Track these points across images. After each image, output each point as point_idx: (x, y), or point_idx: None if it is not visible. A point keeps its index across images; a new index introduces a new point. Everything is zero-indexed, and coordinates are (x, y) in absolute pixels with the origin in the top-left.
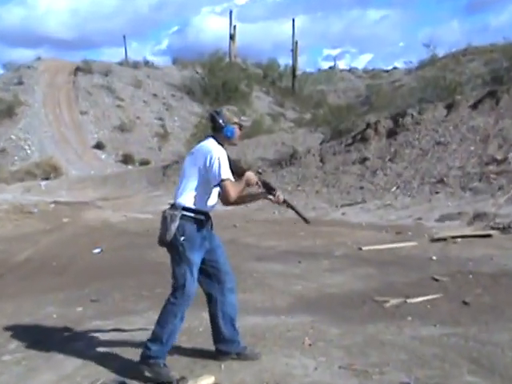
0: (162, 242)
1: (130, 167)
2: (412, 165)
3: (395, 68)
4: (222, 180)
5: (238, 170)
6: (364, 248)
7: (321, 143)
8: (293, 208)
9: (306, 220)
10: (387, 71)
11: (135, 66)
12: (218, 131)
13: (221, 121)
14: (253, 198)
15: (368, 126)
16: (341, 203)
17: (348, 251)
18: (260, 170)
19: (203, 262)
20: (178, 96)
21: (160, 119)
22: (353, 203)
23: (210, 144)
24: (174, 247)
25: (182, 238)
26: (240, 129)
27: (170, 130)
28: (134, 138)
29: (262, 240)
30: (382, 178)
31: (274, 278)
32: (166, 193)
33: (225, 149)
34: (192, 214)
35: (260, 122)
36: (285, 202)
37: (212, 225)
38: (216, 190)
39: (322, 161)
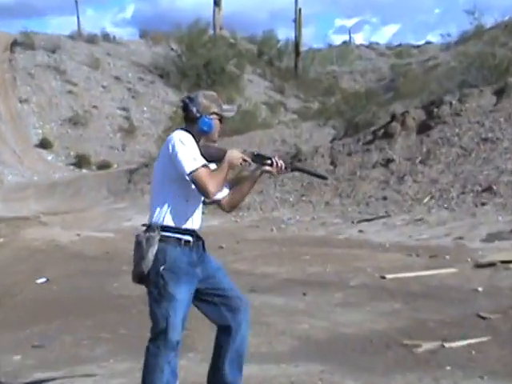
0: (139, 276)
1: (84, 172)
2: (450, 168)
3: (428, 43)
4: (190, 172)
5: (216, 155)
6: (388, 276)
7: (332, 141)
8: (301, 170)
9: (323, 177)
10: (418, 47)
11: (91, 40)
12: (191, 123)
13: (195, 109)
14: (248, 181)
15: (393, 118)
16: (358, 218)
17: (367, 280)
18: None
19: (203, 293)
20: (148, 80)
21: (124, 109)
22: (373, 218)
23: (173, 133)
24: (151, 280)
25: (162, 268)
26: (220, 121)
27: (137, 124)
28: (89, 133)
29: (257, 265)
30: (411, 185)
31: (272, 315)
32: (132, 205)
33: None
34: (174, 235)
35: (253, 113)
36: (287, 166)
37: (204, 245)
38: (200, 198)
39: (333, 163)
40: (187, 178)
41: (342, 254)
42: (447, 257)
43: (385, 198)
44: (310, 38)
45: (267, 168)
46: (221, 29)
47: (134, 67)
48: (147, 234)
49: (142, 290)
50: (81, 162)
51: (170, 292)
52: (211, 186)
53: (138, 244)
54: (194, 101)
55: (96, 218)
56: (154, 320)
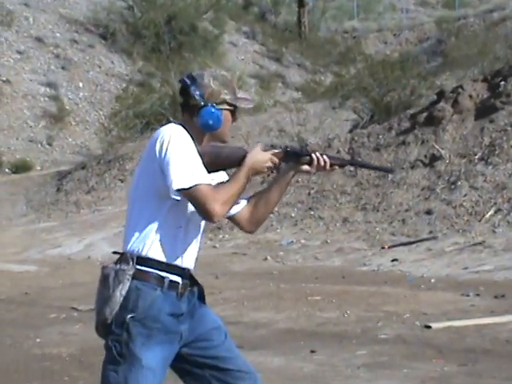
0: (102, 325)
1: None
2: None
3: None
4: (181, 189)
5: (231, 160)
6: (434, 325)
7: (352, 130)
8: (355, 163)
9: (388, 170)
10: None
11: None
12: (190, 114)
13: (197, 94)
14: (277, 185)
15: (441, 96)
16: (390, 241)
17: (404, 331)
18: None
19: (189, 361)
20: (85, 42)
21: (50, 86)
22: (412, 241)
23: (162, 128)
24: (113, 331)
25: (130, 316)
26: (233, 114)
27: (69, 107)
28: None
29: (245, 310)
30: (467, 193)
31: (267, 382)
32: (63, 224)
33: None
34: (155, 271)
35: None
36: (333, 163)
37: (202, 294)
38: (201, 223)
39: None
40: (174, 196)
41: (366, 294)
42: None
43: (429, 213)
44: None
45: (304, 168)
46: None
47: (64, 24)
48: (118, 266)
49: (76, 347)
50: None
51: (135, 353)
52: (217, 203)
53: (104, 280)
54: (198, 82)
55: (10, 243)
56: None
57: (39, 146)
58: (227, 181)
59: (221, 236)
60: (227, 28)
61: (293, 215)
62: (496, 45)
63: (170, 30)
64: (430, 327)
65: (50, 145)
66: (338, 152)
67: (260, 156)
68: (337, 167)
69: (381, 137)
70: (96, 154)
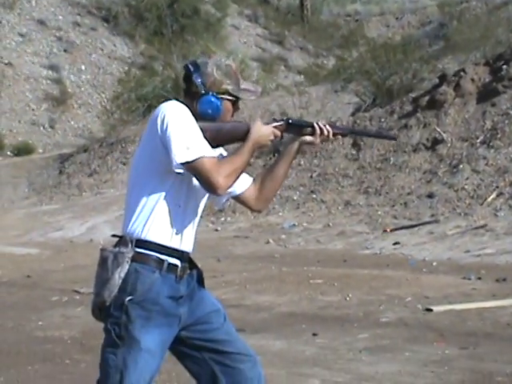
0: (100, 307)
1: None
2: None
3: None
4: (185, 162)
5: (234, 135)
6: (436, 308)
7: (354, 113)
8: (358, 132)
9: (390, 137)
10: None
11: None
12: (191, 100)
13: (199, 82)
14: (283, 159)
15: (443, 79)
16: (392, 224)
17: (406, 314)
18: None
19: (188, 344)
20: (87, 25)
21: (52, 68)
22: (414, 224)
23: (162, 104)
24: (111, 314)
25: (129, 298)
26: (234, 105)
27: (71, 90)
28: (1, 103)
29: (247, 293)
30: (468, 176)
31: (268, 366)
32: (65, 207)
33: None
34: (155, 254)
35: (241, 74)
36: (336, 132)
37: (201, 277)
38: (200, 204)
39: (356, 146)
40: (178, 170)
41: (368, 277)
42: None
43: (431, 196)
44: None
45: (308, 138)
46: None
47: (67, 7)
48: (117, 248)
49: (78, 330)
50: None
51: (134, 336)
52: (221, 176)
53: (103, 262)
54: (201, 70)
55: (12, 225)
56: (103, 372)
57: (41, 128)
58: (231, 154)
59: (223, 219)
60: (229, 11)
61: (295, 198)
62: (498, 29)
63: (173, 12)
64: (431, 310)
65: (52, 127)
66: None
67: (263, 129)
68: (339, 136)
69: (383, 120)
70: (98, 136)
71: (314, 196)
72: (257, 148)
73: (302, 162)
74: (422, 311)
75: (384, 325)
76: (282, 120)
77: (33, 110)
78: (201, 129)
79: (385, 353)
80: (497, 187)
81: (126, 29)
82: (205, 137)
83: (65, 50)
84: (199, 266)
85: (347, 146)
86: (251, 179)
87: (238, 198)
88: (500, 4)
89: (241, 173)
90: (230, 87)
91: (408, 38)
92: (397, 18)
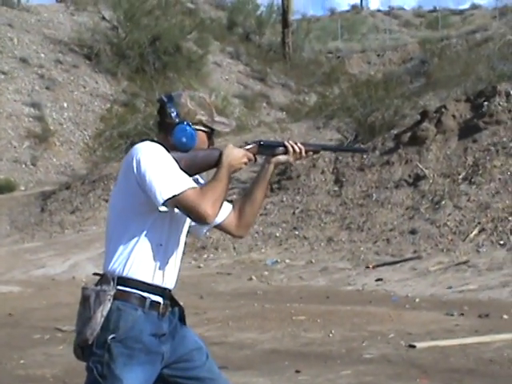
0: (82, 346)
1: None
2: (508, 188)
3: (475, 7)
4: (169, 198)
5: (207, 162)
6: (419, 345)
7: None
8: (330, 148)
9: (361, 150)
10: (460, 13)
11: None
12: (165, 132)
13: (173, 113)
14: (258, 182)
15: (424, 116)
16: (374, 261)
17: (389, 350)
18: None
19: (169, 383)
20: (69, 63)
21: (34, 106)
22: (397, 261)
23: (136, 145)
24: (94, 352)
25: (112, 337)
26: (208, 136)
27: (53, 127)
28: None
29: (229, 330)
30: (450, 212)
31: None
32: (47, 244)
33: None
34: (137, 291)
35: (222, 110)
36: (308, 150)
37: (183, 314)
38: (181, 240)
39: (338, 182)
40: (162, 208)
41: (351, 314)
42: (505, 316)
43: (413, 232)
44: (304, 2)
45: (282, 158)
46: None
47: (49, 44)
48: (98, 287)
49: (60, 368)
50: None
51: (117, 374)
52: (207, 205)
53: (85, 301)
54: (175, 101)
55: None
56: None
57: (23, 166)
58: (209, 181)
59: (205, 256)
60: (211, 48)
61: (277, 235)
62: (479, 65)
63: (155, 50)
64: (414, 347)
65: (34, 165)
66: (323, 172)
67: (235, 152)
68: (311, 153)
69: (365, 157)
70: (80, 174)
71: (297, 232)
72: (231, 171)
73: (285, 199)
74: (405, 347)
75: (367, 361)
76: (254, 142)
77: (15, 147)
78: (175, 160)
79: None
80: (479, 223)
81: (108, 66)
82: (180, 167)
83: (47, 88)
84: (181, 303)
85: (329, 182)
86: (231, 206)
87: (219, 226)
88: (480, 41)
89: (224, 198)
90: (204, 118)
91: (389, 75)
92: (378, 55)
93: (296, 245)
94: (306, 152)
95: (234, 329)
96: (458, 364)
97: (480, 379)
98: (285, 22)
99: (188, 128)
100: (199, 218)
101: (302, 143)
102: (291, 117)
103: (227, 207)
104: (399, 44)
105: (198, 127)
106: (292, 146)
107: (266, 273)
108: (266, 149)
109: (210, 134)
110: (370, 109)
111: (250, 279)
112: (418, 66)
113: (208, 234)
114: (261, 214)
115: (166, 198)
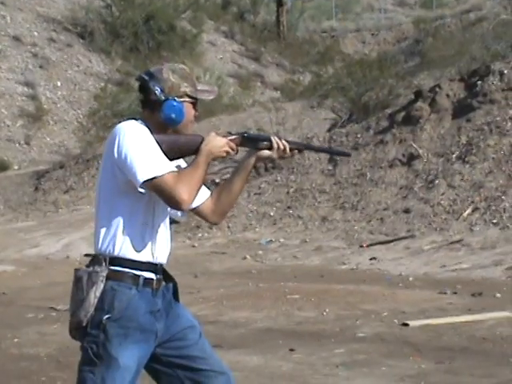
0: (76, 327)
1: None
2: (502, 167)
3: None
4: (146, 180)
5: (188, 147)
6: (412, 323)
7: (330, 129)
8: (313, 148)
9: (344, 153)
10: None
11: None
12: (151, 110)
13: (157, 90)
14: (239, 173)
15: (418, 95)
16: (368, 240)
17: (382, 329)
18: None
19: (162, 361)
20: (63, 41)
21: (28, 85)
22: (391, 240)
23: (118, 125)
24: (89, 333)
25: (107, 317)
26: (194, 106)
27: (47, 106)
28: None
29: (224, 309)
30: (444, 192)
31: (245, 381)
32: (41, 223)
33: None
34: (129, 270)
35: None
36: (292, 148)
37: (176, 290)
38: (165, 217)
39: (332, 161)
40: (140, 189)
41: (345, 292)
42: (498, 295)
43: (407, 211)
44: None
45: (265, 153)
46: None
47: (42, 23)
48: (91, 268)
49: (54, 347)
50: None
51: (112, 354)
52: (183, 191)
53: (78, 282)
54: (157, 77)
55: None
56: None
57: (17, 145)
58: (187, 167)
59: (200, 235)
60: (206, 27)
61: (271, 214)
62: (473, 45)
63: (149, 29)
64: (407, 325)
65: (27, 144)
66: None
67: (216, 141)
68: (296, 151)
69: (359, 136)
70: (74, 153)
71: (291, 212)
72: (211, 159)
73: (279, 178)
74: (399, 326)
75: (360, 340)
76: (238, 134)
77: (8, 126)
78: (157, 142)
79: (361, 367)
80: (472, 202)
81: (102, 45)
82: (161, 149)
83: (40, 67)
84: (175, 278)
85: (324, 161)
86: (209, 192)
87: (194, 210)
88: (474, 21)
89: (201, 185)
90: (188, 89)
91: (384, 55)
92: (372, 35)
93: (290, 224)
94: (291, 150)
95: (228, 308)
96: (451, 342)
97: (473, 357)
98: (279, 1)
99: (175, 103)
100: (174, 203)
101: (286, 140)
102: (285, 96)
103: (205, 193)
104: (394, 23)
105: (183, 99)
106: (277, 143)
107: (261, 252)
108: (250, 141)
109: (195, 103)
110: (364, 88)
111: (244, 258)
112: (412, 46)
113: (186, 218)
114: (255, 194)
115: (145, 179)
